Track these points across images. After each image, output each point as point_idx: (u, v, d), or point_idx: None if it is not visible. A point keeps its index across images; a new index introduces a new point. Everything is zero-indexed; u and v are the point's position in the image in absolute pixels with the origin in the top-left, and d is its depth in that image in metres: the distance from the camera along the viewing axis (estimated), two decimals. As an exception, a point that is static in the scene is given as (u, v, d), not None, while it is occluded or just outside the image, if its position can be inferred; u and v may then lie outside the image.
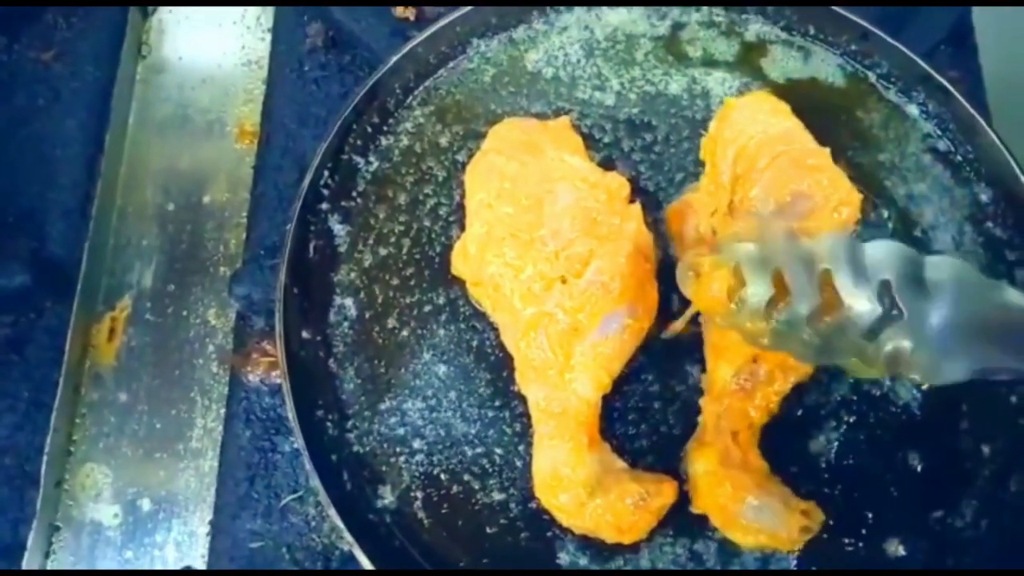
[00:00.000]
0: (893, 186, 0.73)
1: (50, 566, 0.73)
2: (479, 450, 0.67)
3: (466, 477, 0.66)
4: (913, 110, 0.75)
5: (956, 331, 0.51)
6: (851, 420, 0.67)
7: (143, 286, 0.82)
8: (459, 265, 0.68)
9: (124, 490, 0.76)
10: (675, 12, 0.78)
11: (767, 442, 0.64)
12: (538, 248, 0.64)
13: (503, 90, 0.76)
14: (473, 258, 0.66)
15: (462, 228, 0.69)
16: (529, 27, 0.78)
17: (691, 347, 0.68)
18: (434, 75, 0.77)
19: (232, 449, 0.73)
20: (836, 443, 0.66)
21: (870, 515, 0.65)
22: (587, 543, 0.64)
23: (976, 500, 0.65)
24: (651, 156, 0.74)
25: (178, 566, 0.74)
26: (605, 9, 0.78)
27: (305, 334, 0.69)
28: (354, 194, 0.73)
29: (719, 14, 0.78)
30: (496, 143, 0.69)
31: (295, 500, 0.71)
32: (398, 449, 0.67)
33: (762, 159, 0.66)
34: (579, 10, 0.78)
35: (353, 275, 0.71)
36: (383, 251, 0.72)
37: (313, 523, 0.70)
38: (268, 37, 0.89)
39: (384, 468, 0.67)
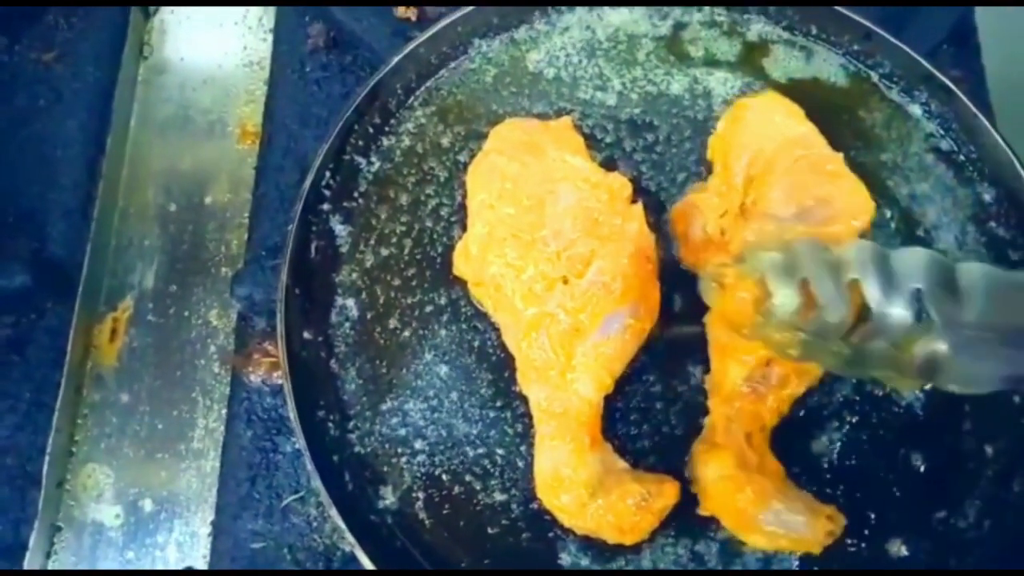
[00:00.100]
0: (896, 186, 0.73)
1: (51, 566, 0.73)
2: (481, 451, 0.66)
3: (468, 478, 0.66)
4: (916, 110, 0.75)
5: (990, 338, 0.50)
6: (854, 420, 0.67)
7: (145, 287, 0.82)
8: (460, 265, 0.68)
9: (126, 490, 0.76)
10: (677, 12, 0.78)
11: (769, 442, 0.64)
12: (540, 248, 0.64)
13: (505, 90, 0.76)
14: (475, 258, 0.66)
15: (464, 228, 0.69)
16: (531, 27, 0.78)
17: (693, 347, 0.68)
18: (436, 75, 0.77)
19: (233, 449, 0.73)
20: (839, 443, 0.66)
21: (873, 515, 0.64)
22: (589, 544, 0.64)
23: (979, 500, 0.65)
24: (653, 156, 0.74)
25: (180, 566, 0.74)
26: (607, 9, 0.78)
27: (307, 334, 0.69)
28: (356, 194, 0.73)
29: (721, 14, 0.78)
30: (498, 143, 0.69)
31: (296, 500, 0.70)
32: (400, 450, 0.67)
33: (781, 162, 0.65)
34: (580, 10, 0.78)
35: (355, 275, 0.71)
36: (385, 251, 0.72)
37: (314, 524, 0.70)
38: (270, 38, 0.89)
39: (386, 468, 0.66)
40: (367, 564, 0.61)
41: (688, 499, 0.63)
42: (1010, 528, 0.64)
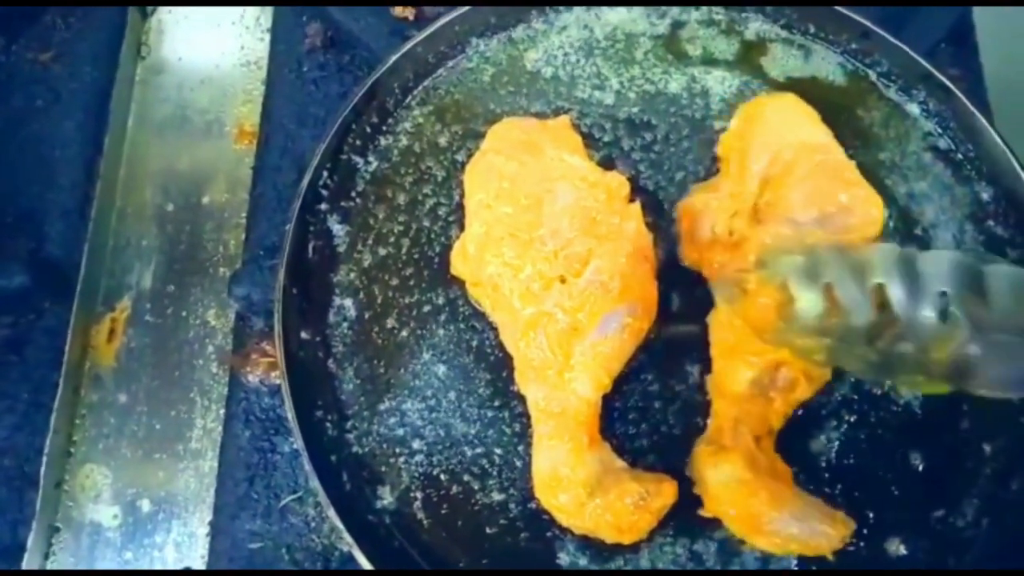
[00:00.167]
0: (894, 185, 0.73)
1: (50, 567, 0.73)
2: (479, 450, 0.66)
3: (466, 477, 0.66)
4: (914, 108, 0.75)
5: (1021, 341, 0.49)
6: (852, 419, 0.67)
7: (142, 287, 0.82)
8: (458, 265, 0.68)
9: (124, 491, 0.76)
10: (675, 11, 0.78)
11: (771, 443, 0.64)
12: (537, 248, 0.63)
13: (502, 89, 0.76)
14: (472, 258, 0.66)
15: (461, 228, 0.69)
16: (528, 26, 0.78)
17: (691, 346, 0.68)
18: (433, 75, 0.77)
19: (231, 450, 0.72)
20: (837, 442, 0.66)
21: (871, 514, 0.64)
22: (587, 543, 0.64)
23: (977, 499, 0.65)
24: (651, 155, 0.74)
25: (178, 567, 0.74)
26: (604, 8, 0.78)
27: (304, 334, 0.69)
28: (353, 194, 0.73)
29: (719, 12, 0.78)
30: (495, 143, 0.69)
31: (294, 501, 0.70)
32: (397, 449, 0.67)
33: (800, 166, 0.65)
34: (578, 9, 0.78)
35: (352, 275, 0.71)
36: (382, 251, 0.72)
37: (312, 524, 0.70)
38: (267, 37, 0.89)
39: (383, 468, 0.66)
40: (365, 564, 0.61)
41: (686, 498, 0.63)
42: (1009, 527, 0.64)
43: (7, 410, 0.73)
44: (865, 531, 0.64)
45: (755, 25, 0.78)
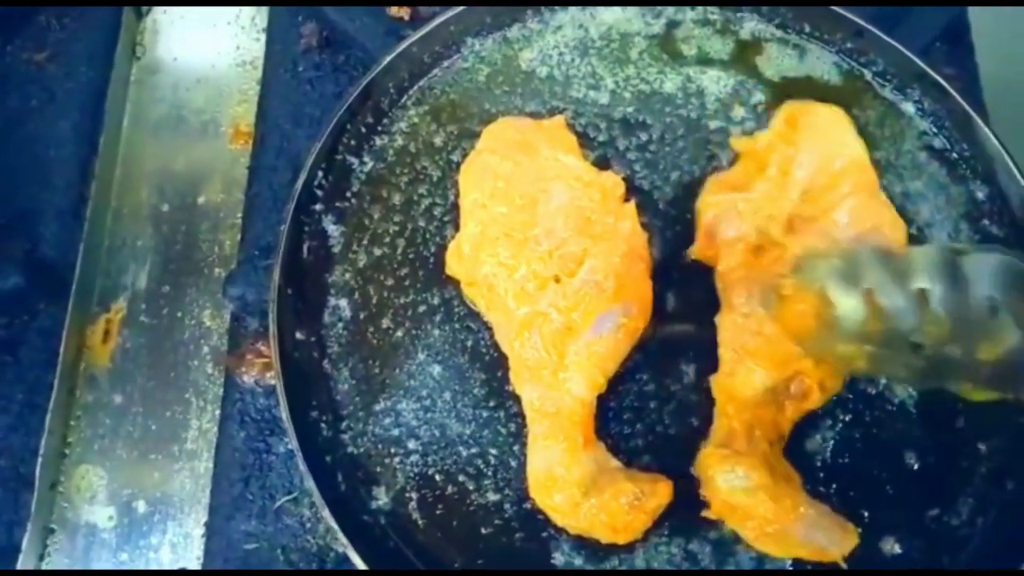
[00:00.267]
0: (889, 184, 0.73)
1: (44, 568, 0.73)
2: (474, 450, 0.66)
3: (461, 478, 0.66)
4: (909, 107, 0.75)
5: None
6: (847, 418, 0.67)
7: (138, 287, 0.82)
8: (453, 265, 0.68)
9: (119, 492, 0.76)
10: (670, 10, 0.78)
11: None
12: (532, 247, 0.64)
13: (497, 89, 0.76)
14: (467, 258, 0.66)
15: (456, 228, 0.69)
16: (523, 26, 0.78)
17: (686, 346, 0.68)
18: (428, 74, 0.77)
19: (227, 450, 0.72)
20: (832, 441, 0.66)
21: (866, 513, 0.64)
22: (582, 543, 0.64)
23: (972, 498, 0.65)
24: (646, 155, 0.74)
25: (173, 568, 0.73)
26: (599, 8, 0.78)
27: (299, 335, 0.69)
28: (348, 194, 0.73)
29: (714, 12, 0.78)
30: (490, 142, 0.69)
31: (290, 501, 0.70)
32: (392, 450, 0.67)
33: (846, 182, 0.65)
34: (573, 9, 0.78)
35: (347, 276, 0.71)
36: (377, 251, 0.72)
37: (308, 524, 0.70)
38: (262, 37, 0.89)
39: (378, 469, 0.66)
40: (360, 565, 0.61)
41: (681, 498, 0.63)
42: (1003, 526, 0.64)
43: (2, 411, 0.73)
44: (860, 530, 0.64)
45: (750, 25, 0.78)
